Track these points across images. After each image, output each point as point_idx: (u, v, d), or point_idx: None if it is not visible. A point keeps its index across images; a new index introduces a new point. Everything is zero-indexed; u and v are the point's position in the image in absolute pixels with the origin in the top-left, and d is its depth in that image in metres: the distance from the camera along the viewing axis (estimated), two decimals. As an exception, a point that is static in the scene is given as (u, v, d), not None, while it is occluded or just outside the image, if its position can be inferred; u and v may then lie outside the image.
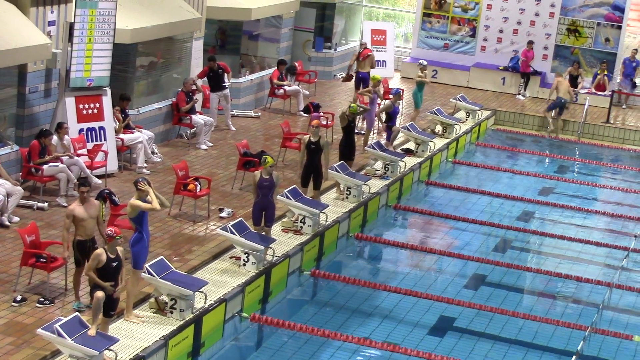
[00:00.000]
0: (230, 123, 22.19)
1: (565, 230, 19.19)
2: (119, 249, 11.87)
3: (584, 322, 15.09)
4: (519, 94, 28.54)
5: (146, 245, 12.88)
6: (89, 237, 12.80)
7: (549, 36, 29.12)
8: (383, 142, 20.80)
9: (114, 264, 11.72)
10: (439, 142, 22.88)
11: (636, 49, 28.15)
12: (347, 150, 18.83)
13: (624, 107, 27.81)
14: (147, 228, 12.94)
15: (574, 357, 14.00)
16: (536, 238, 18.91)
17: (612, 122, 26.50)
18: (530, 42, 28.54)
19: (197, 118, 20.57)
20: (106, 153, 17.71)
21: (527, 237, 18.89)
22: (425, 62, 24.04)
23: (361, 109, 19.25)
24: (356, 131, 19.48)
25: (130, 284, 12.61)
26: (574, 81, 28.29)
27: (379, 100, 22.40)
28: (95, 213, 12.90)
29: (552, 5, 29.02)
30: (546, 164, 24.40)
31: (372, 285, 15.61)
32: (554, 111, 25.90)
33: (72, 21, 17.28)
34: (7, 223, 15.08)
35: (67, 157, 16.62)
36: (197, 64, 21.90)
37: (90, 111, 17.80)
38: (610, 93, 27.30)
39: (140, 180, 12.94)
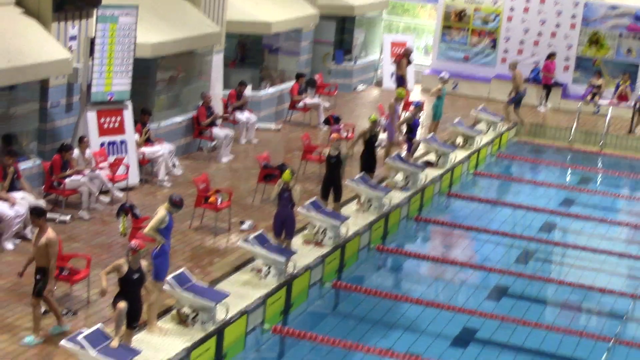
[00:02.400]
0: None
1: (588, 241, 19.09)
2: (143, 262, 11.87)
3: (608, 333, 14.99)
4: (541, 105, 28.47)
5: (168, 257, 12.92)
6: (38, 265, 12.20)
7: (570, 47, 29.05)
8: (404, 154, 20.78)
9: (135, 276, 11.72)
10: (460, 154, 22.84)
11: None
12: (368, 163, 18.81)
13: None
14: (169, 240, 12.98)
15: (598, 368, 13.94)
16: (559, 249, 18.83)
17: (635, 132, 26.36)
18: (552, 54, 28.47)
19: (218, 131, 20.63)
20: (127, 166, 17.78)
21: (549, 249, 18.80)
22: (447, 76, 23.99)
23: (379, 124, 19.10)
24: (377, 144, 19.45)
25: (152, 297, 12.61)
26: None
27: (399, 113, 22.41)
28: (37, 243, 12.12)
29: (574, 17, 28.96)
30: (568, 175, 24.31)
31: (394, 296, 15.58)
32: (513, 105, 26.09)
33: (93, 36, 17.39)
34: (30, 236, 15.13)
35: (89, 170, 16.70)
36: (217, 78, 21.97)
37: (111, 125, 17.89)
38: (633, 104, 27.16)
39: (177, 199, 12.96)
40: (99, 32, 17.36)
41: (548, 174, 23.76)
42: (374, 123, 18.60)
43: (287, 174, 15.17)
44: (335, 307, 15.63)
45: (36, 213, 12.38)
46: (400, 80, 26.66)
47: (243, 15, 23.08)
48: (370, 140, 18.71)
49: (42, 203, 15.36)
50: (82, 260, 13.67)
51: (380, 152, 20.55)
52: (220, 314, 13.09)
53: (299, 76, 24.60)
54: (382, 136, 21.65)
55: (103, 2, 17.50)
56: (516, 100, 25.97)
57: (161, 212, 12.79)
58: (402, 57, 26.89)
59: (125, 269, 11.65)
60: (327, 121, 23.79)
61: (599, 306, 16.34)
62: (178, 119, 20.59)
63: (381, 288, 15.88)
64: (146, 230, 12.77)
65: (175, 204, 13.01)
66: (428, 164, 21.56)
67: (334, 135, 17.43)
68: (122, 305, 11.53)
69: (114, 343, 11.26)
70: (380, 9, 30.97)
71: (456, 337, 14.55)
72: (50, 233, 12.14)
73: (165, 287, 12.80)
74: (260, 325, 13.88)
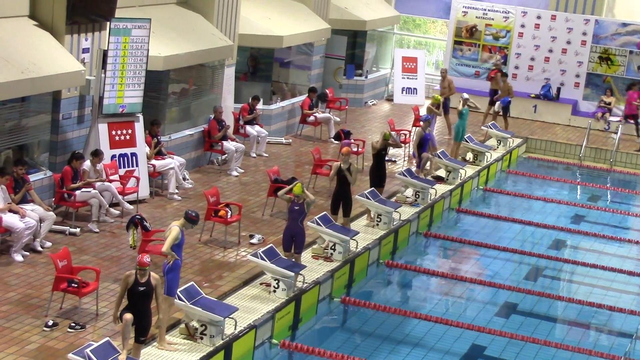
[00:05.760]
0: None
1: (597, 259, 19.04)
2: (154, 275, 11.86)
3: (617, 352, 14.93)
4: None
5: (179, 272, 12.92)
6: None
7: (581, 64, 29.04)
8: (414, 169, 20.77)
9: (141, 289, 11.71)
10: (470, 170, 22.83)
11: None
12: (377, 177, 18.77)
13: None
14: (181, 255, 12.99)
15: (607, 387, 13.88)
16: (568, 266, 18.78)
17: (643, 149, 26.31)
18: (634, 84, 27.69)
19: (229, 145, 20.66)
20: (138, 179, 17.81)
21: (559, 266, 18.76)
22: (467, 96, 24.08)
23: (392, 138, 19.03)
24: (387, 158, 19.45)
25: (162, 311, 12.58)
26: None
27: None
28: None
29: (584, 34, 28.96)
30: (578, 192, 24.27)
31: (403, 312, 15.55)
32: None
33: (106, 48, 17.45)
34: (39, 248, 15.19)
35: (100, 182, 16.72)
36: (228, 91, 22.02)
37: (122, 137, 17.92)
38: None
39: (193, 215, 13.06)
40: (111, 44, 17.42)
41: (558, 191, 23.72)
42: (386, 140, 18.47)
43: (298, 188, 15.18)
44: (344, 322, 15.62)
45: None
46: (492, 95, 26.98)
47: (255, 28, 23.14)
48: (380, 154, 18.65)
49: (52, 215, 15.42)
50: (91, 273, 13.70)
51: (389, 166, 20.53)
52: (229, 328, 13.09)
53: (310, 91, 24.65)
54: (393, 151, 21.66)
55: (116, 15, 17.57)
56: (447, 109, 26.39)
57: (175, 229, 12.81)
58: (497, 72, 27.09)
59: (132, 279, 11.67)
60: (337, 136, 23.81)
61: (608, 324, 16.29)
62: (189, 132, 20.63)
63: (390, 304, 15.86)
64: (164, 249, 12.77)
65: (192, 220, 13.06)
66: (438, 179, 21.55)
67: (345, 148, 17.42)
68: (128, 316, 11.53)
69: (122, 357, 11.26)
70: (391, 24, 31.03)
71: (465, 354, 14.52)
72: None
73: (174, 300, 12.81)
74: (268, 340, 13.86)
